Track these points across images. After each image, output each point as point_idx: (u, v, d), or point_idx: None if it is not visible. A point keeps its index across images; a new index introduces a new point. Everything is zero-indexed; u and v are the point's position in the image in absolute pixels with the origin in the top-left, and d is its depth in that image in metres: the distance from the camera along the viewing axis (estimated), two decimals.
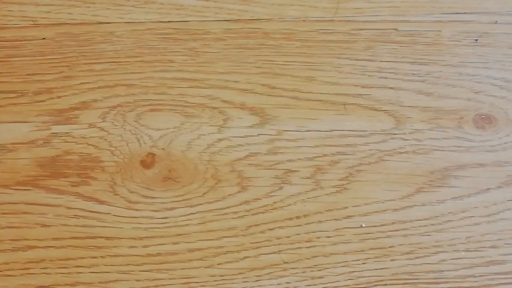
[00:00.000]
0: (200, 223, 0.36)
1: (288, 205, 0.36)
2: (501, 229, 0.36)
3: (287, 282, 0.35)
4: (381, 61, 0.39)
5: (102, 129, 0.37)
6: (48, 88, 0.38)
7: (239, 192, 0.36)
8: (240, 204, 0.36)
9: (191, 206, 0.36)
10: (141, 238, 0.35)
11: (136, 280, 0.34)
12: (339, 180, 0.37)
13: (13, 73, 0.38)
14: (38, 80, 0.38)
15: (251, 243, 0.35)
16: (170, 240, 0.35)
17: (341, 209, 0.36)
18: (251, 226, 0.36)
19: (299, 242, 0.36)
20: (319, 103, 0.38)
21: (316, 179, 0.36)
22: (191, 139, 0.38)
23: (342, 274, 0.35)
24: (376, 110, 0.38)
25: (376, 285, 0.35)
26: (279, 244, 0.35)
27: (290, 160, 0.37)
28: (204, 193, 0.36)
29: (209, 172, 0.37)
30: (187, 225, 0.36)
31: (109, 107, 0.38)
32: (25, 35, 0.39)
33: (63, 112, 0.37)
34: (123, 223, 0.36)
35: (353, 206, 0.36)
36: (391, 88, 0.38)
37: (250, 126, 0.38)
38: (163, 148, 0.37)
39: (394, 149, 0.37)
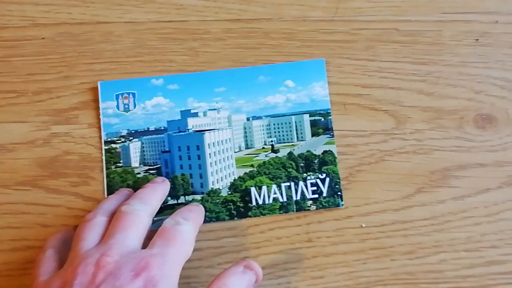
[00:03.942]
0: None
1: None
2: (501, 229, 0.36)
3: (287, 282, 0.35)
4: (381, 61, 0.39)
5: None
6: (48, 88, 0.38)
7: None
8: None
9: None
10: None
11: None
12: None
13: (13, 73, 0.38)
14: (38, 80, 0.38)
15: (251, 243, 0.35)
16: None
17: (341, 209, 0.36)
18: (251, 226, 0.36)
19: (299, 242, 0.35)
20: None
21: None
22: None
23: (342, 274, 0.35)
24: (376, 110, 0.38)
25: (376, 285, 0.35)
26: (279, 244, 0.35)
27: None
28: None
29: None
30: None
31: None
32: (25, 35, 0.39)
33: (63, 112, 0.37)
34: None
35: (353, 206, 0.36)
36: (391, 88, 0.38)
37: None
38: None
39: (394, 149, 0.37)
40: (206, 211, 0.35)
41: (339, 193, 0.36)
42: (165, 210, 0.35)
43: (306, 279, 0.35)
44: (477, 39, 0.39)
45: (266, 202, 0.36)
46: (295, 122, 0.37)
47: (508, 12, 0.40)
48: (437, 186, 0.36)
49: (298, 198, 0.36)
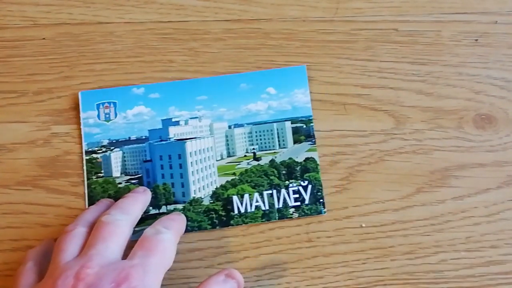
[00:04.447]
0: None
1: None
2: (501, 229, 0.36)
3: (287, 282, 0.35)
4: (381, 61, 0.39)
5: None
6: (48, 88, 0.38)
7: None
8: None
9: None
10: None
11: None
12: (339, 180, 0.37)
13: (13, 73, 0.38)
14: (38, 80, 0.38)
15: (251, 243, 0.35)
16: None
17: (341, 209, 0.36)
18: (251, 225, 0.36)
19: (299, 242, 0.35)
20: (319, 103, 0.38)
21: None
22: None
23: (342, 274, 0.35)
24: (376, 110, 0.38)
25: (376, 285, 0.35)
26: (279, 244, 0.35)
27: None
28: None
29: None
30: None
31: None
32: (25, 35, 0.39)
33: (63, 112, 0.37)
34: None
35: (353, 206, 0.36)
36: (391, 88, 0.38)
37: None
38: None
39: (394, 149, 0.37)
40: (188, 220, 0.35)
41: (321, 200, 0.36)
42: (147, 220, 0.35)
43: (306, 279, 0.35)
44: (476, 39, 0.39)
45: (248, 210, 0.35)
46: (277, 129, 0.37)
47: (508, 12, 0.40)
48: (437, 186, 0.36)
49: (280, 206, 0.36)
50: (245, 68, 0.38)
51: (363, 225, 0.36)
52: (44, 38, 0.39)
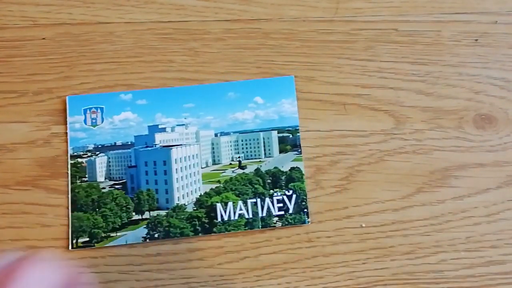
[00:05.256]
0: None
1: None
2: (501, 229, 0.36)
3: (287, 282, 0.35)
4: (381, 61, 0.39)
5: None
6: (48, 88, 0.38)
7: None
8: None
9: None
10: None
11: (136, 280, 0.34)
12: (339, 180, 0.37)
13: (13, 73, 0.38)
14: (38, 80, 0.38)
15: (251, 243, 0.35)
16: (170, 240, 0.35)
17: (341, 209, 0.36)
18: None
19: (299, 242, 0.35)
20: (319, 103, 0.38)
21: (316, 179, 0.37)
22: None
23: (342, 274, 0.35)
24: (376, 110, 0.38)
25: (376, 285, 0.35)
26: (279, 244, 0.35)
27: None
28: None
29: None
30: None
31: None
32: (25, 35, 0.39)
33: (63, 112, 0.37)
34: None
35: (353, 206, 0.36)
36: (391, 88, 0.38)
37: None
38: None
39: (394, 149, 0.37)
40: (170, 227, 0.35)
41: (305, 210, 0.36)
42: (130, 225, 0.35)
43: (306, 279, 0.35)
44: (476, 40, 0.39)
45: (232, 218, 0.35)
46: (263, 138, 0.37)
47: (508, 12, 0.40)
48: (437, 186, 0.36)
49: (264, 214, 0.36)
50: (245, 68, 0.38)
51: (363, 225, 0.36)
52: (44, 38, 0.39)
